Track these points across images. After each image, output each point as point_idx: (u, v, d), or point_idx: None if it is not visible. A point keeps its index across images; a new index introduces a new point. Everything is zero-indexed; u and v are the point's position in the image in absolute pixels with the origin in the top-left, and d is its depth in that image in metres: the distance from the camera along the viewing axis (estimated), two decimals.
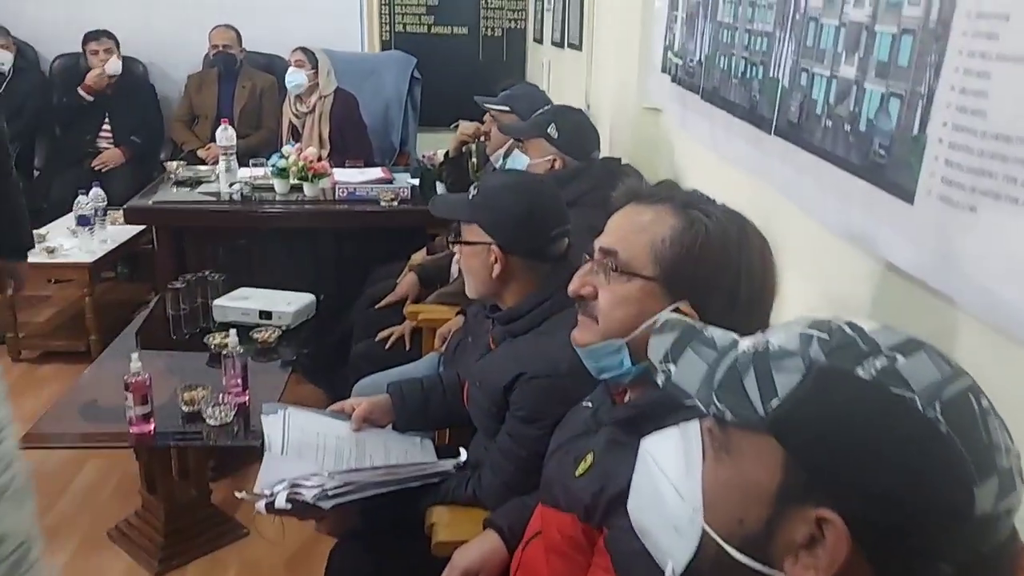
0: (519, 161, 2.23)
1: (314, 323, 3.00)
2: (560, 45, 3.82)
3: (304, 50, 3.96)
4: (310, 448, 1.64)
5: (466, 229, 1.59)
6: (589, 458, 1.11)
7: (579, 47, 3.36)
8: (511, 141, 2.48)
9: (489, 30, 5.07)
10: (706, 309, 1.01)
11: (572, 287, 1.16)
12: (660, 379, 0.66)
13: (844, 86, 1.18)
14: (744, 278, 1.01)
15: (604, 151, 2.55)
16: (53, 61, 4.75)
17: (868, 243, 1.14)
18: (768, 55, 1.48)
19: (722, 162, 1.79)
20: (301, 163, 3.35)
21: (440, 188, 3.47)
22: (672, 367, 0.66)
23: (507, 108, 2.61)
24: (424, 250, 3.12)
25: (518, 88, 2.87)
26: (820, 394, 0.59)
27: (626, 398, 1.16)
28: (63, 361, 3.56)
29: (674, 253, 1.04)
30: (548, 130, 2.15)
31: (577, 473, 1.11)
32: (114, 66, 4.37)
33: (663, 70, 2.26)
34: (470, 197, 1.58)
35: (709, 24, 1.84)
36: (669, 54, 2.20)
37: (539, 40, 4.56)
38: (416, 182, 3.65)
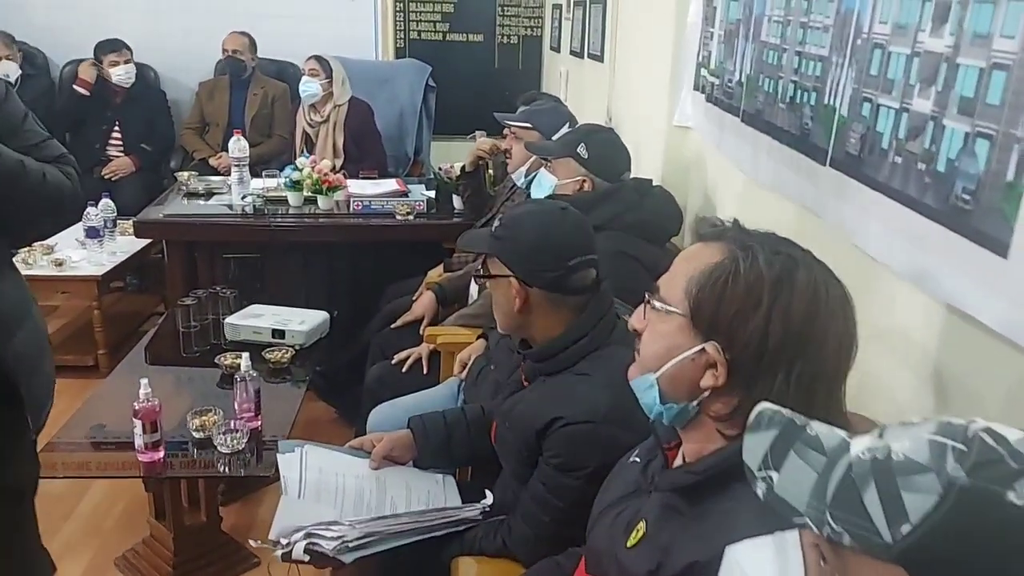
0: (546, 182, 2.14)
1: (328, 341, 2.92)
2: (579, 55, 3.73)
3: (318, 58, 3.87)
4: (329, 490, 1.56)
5: (491, 262, 1.51)
6: (641, 527, 1.02)
7: (601, 58, 3.27)
8: (533, 159, 2.39)
9: (505, 38, 4.99)
10: (735, 353, 0.94)
11: (630, 321, 1.09)
12: (761, 490, 0.57)
13: (918, 121, 1.08)
14: (776, 322, 0.92)
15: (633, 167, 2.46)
16: (63, 67, 4.68)
17: (945, 294, 1.05)
18: (822, 80, 1.39)
19: (760, 188, 1.70)
20: (315, 176, 3.27)
21: (457, 201, 3.39)
22: (774, 475, 0.57)
23: (529, 124, 2.52)
24: (441, 267, 3.03)
25: (539, 103, 2.79)
26: (963, 522, 0.49)
27: (679, 455, 1.07)
28: (71, 375, 3.47)
29: (699, 289, 0.97)
30: (578, 149, 2.06)
31: (629, 544, 1.01)
32: (128, 75, 4.29)
33: (696, 88, 2.17)
34: (493, 229, 1.50)
35: (751, 44, 1.74)
36: (703, 71, 2.11)
37: (556, 49, 4.47)
38: (432, 194, 3.57)
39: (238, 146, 3.49)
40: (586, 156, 2.05)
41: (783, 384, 0.92)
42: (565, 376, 1.44)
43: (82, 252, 3.53)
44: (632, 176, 2.14)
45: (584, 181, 2.06)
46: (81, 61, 4.56)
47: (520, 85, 4.93)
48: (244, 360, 2.29)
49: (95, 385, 2.85)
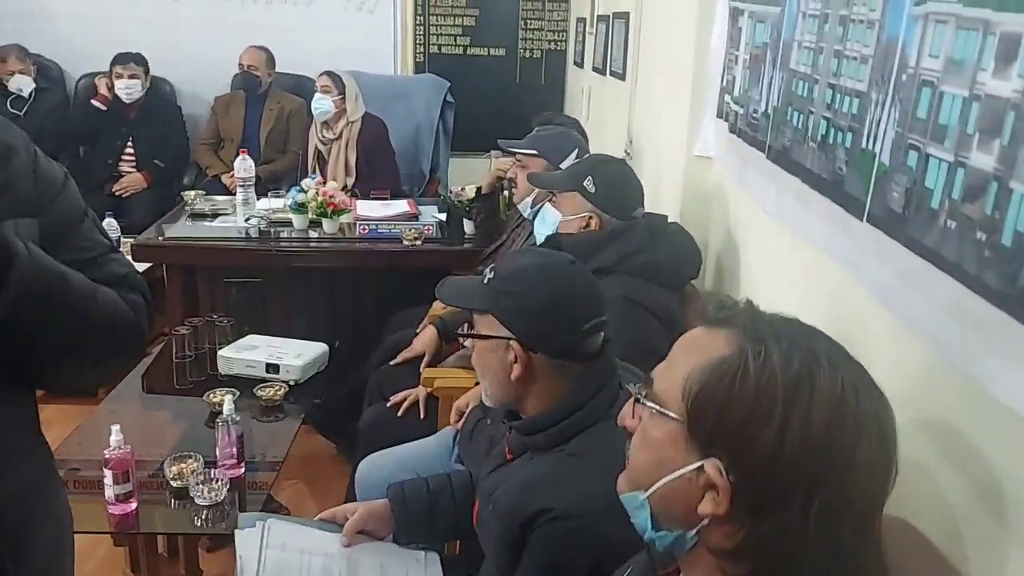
0: (550, 217, 1.96)
1: (327, 374, 2.76)
2: (602, 72, 3.55)
3: (330, 74, 3.73)
4: (292, 572, 1.38)
5: (480, 319, 1.32)
6: None
7: (622, 76, 3.08)
8: (538, 191, 2.22)
9: (528, 52, 4.82)
10: (740, 475, 0.76)
11: (620, 416, 0.91)
12: None
13: (977, 179, 0.88)
14: (792, 438, 0.73)
15: (647, 200, 2.26)
16: (79, 80, 4.60)
17: (1006, 395, 0.84)
18: (860, 120, 1.19)
19: (788, 233, 1.50)
20: (320, 198, 3.12)
21: (468, 226, 3.22)
22: None
23: (534, 151, 2.34)
24: None
25: (546, 128, 2.60)
26: None
27: None
28: (69, 401, 3.35)
29: (700, 390, 0.78)
30: (584, 183, 1.88)
31: None
32: (131, 90, 4.19)
33: (719, 115, 1.97)
34: (485, 281, 1.31)
35: (779, 72, 1.54)
36: (727, 98, 1.91)
37: (579, 64, 4.29)
38: (443, 216, 3.40)
39: (244, 165, 3.36)
40: (593, 190, 1.86)
41: (799, 517, 0.73)
42: (555, 456, 1.25)
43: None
44: (647, 211, 1.95)
45: (590, 218, 1.87)
46: (97, 74, 4.49)
47: (542, 101, 4.77)
48: (227, 403, 2.13)
49: (90, 413, 2.72)
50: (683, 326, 1.82)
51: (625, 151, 2.94)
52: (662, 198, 2.34)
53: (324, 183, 3.26)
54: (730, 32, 1.90)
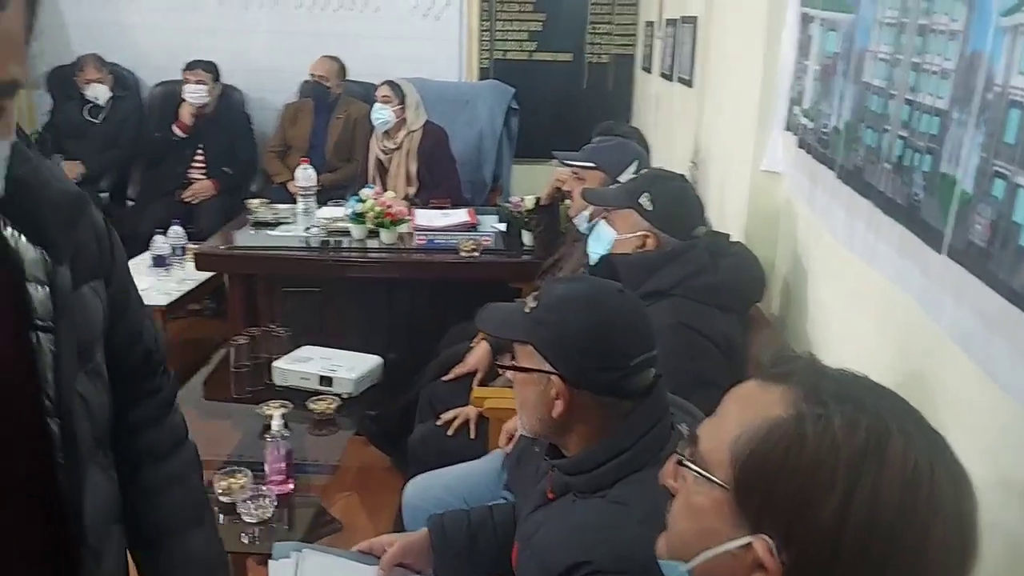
0: (605, 235, 1.87)
1: (382, 386, 2.74)
2: (669, 78, 3.43)
3: (391, 84, 3.72)
4: None
5: (521, 350, 1.24)
6: None
7: (690, 83, 2.97)
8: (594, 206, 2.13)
9: (595, 57, 4.72)
10: (795, 555, 0.66)
11: (661, 473, 0.83)
12: None
13: None
14: (856, 516, 0.64)
15: (712, 215, 2.16)
16: (154, 88, 4.71)
17: None
18: (939, 141, 1.07)
19: (861, 260, 1.38)
20: (378, 208, 3.10)
21: (527, 237, 3.15)
22: None
23: (591, 164, 2.25)
24: None
25: (607, 140, 2.51)
26: None
27: None
28: None
29: (750, 456, 0.70)
30: (640, 200, 1.78)
31: None
32: (199, 97, 4.25)
33: (788, 129, 1.85)
34: (526, 309, 1.23)
35: (852, 84, 1.43)
36: (796, 110, 1.79)
37: (647, 69, 4.18)
38: (503, 227, 3.34)
39: (305, 175, 3.37)
40: (650, 208, 1.76)
41: None
42: (597, 502, 1.17)
43: (150, 280, 3.48)
44: (710, 229, 1.84)
45: (647, 237, 1.78)
46: (171, 83, 4.58)
47: (609, 106, 4.67)
48: (276, 419, 2.12)
49: None
50: (744, 354, 1.71)
51: (692, 162, 2.83)
52: (727, 214, 2.23)
53: (382, 193, 3.23)
54: (800, 40, 1.78)
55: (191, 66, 4.30)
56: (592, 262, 2.05)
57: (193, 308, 4.04)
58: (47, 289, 0.78)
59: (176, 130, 4.32)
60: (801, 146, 1.73)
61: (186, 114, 4.28)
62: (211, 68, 4.33)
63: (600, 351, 1.16)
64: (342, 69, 4.29)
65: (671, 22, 3.41)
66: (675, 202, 1.79)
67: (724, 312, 1.71)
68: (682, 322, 1.64)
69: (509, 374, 1.26)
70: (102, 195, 4.38)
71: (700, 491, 0.75)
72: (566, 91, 4.73)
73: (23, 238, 0.77)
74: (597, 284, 1.26)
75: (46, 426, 0.78)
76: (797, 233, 1.85)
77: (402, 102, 3.73)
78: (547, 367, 1.18)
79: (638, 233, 1.79)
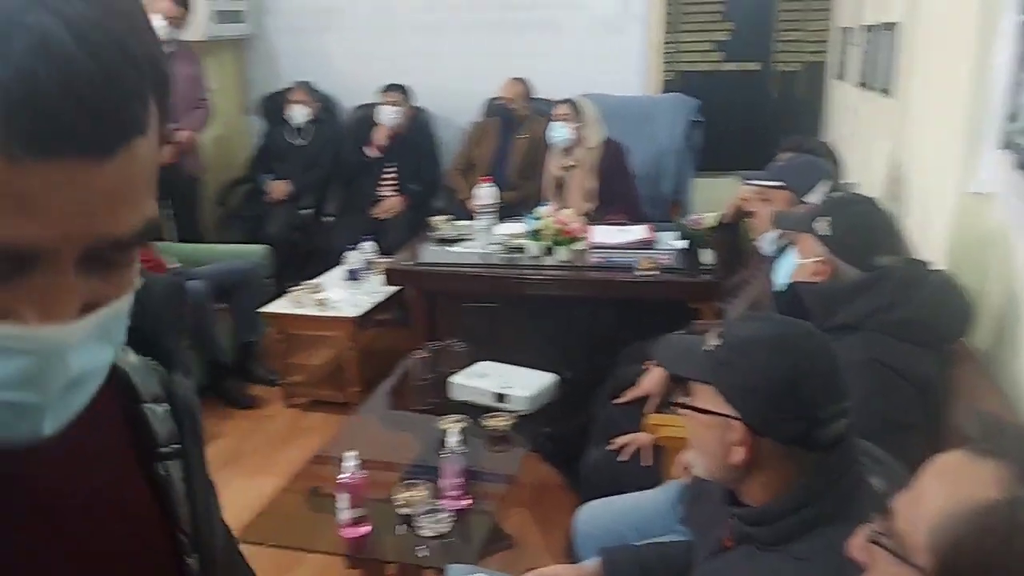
0: (787, 262, 1.78)
1: (557, 405, 2.76)
2: (865, 87, 3.22)
3: (569, 102, 3.75)
4: None
5: (698, 389, 1.20)
6: None
7: (888, 93, 2.77)
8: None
9: (784, 65, 4.52)
10: None
11: (849, 544, 0.79)
12: None
13: None
14: None
15: (911, 239, 1.99)
16: (352, 111, 5.01)
17: None
18: None
19: None
20: (555, 226, 3.12)
21: (708, 256, 3.06)
22: None
23: (778, 183, 2.14)
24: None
25: (794, 157, 2.38)
26: None
27: None
28: (328, 411, 3.66)
29: (954, 544, 0.63)
30: (819, 224, 1.67)
31: None
32: (393, 118, 4.48)
33: (1002, 147, 1.68)
34: (708, 347, 1.18)
35: None
36: (1010, 127, 1.62)
37: (841, 77, 3.94)
38: (684, 243, 3.27)
39: (486, 193, 3.47)
40: (828, 233, 1.65)
41: None
42: (777, 557, 1.10)
43: (343, 293, 3.70)
44: (903, 257, 1.70)
45: (824, 264, 1.66)
46: (368, 106, 4.87)
47: (799, 117, 4.46)
48: (450, 435, 2.18)
49: (346, 423, 2.94)
50: (943, 395, 1.57)
51: (891, 178, 2.63)
52: (928, 238, 2.05)
53: (559, 210, 3.25)
54: (1018, 52, 1.61)
55: (387, 89, 4.55)
56: (778, 288, 1.96)
57: (381, 318, 4.27)
58: (166, 406, 0.66)
59: (370, 150, 4.57)
60: (1020, 166, 1.55)
61: (380, 135, 4.53)
62: (404, 91, 4.56)
63: (789, 400, 1.09)
64: (527, 91, 4.36)
65: (869, 28, 3.19)
66: (855, 228, 1.66)
67: (921, 348, 1.57)
68: (874, 359, 1.52)
69: (683, 412, 1.21)
70: (304, 212, 4.73)
71: (893, 572, 0.69)
72: (753, 102, 4.56)
73: (130, 352, 0.65)
74: (788, 325, 1.18)
75: (183, 564, 0.66)
76: (1012, 261, 1.67)
77: (580, 119, 3.75)
78: (729, 411, 1.13)
79: (815, 260, 1.68)
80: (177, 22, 4.07)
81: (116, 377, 0.61)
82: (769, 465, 1.12)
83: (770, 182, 2.18)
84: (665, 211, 4.31)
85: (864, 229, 1.67)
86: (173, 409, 0.66)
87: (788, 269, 1.79)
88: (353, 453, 2.06)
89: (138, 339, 0.62)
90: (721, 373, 1.14)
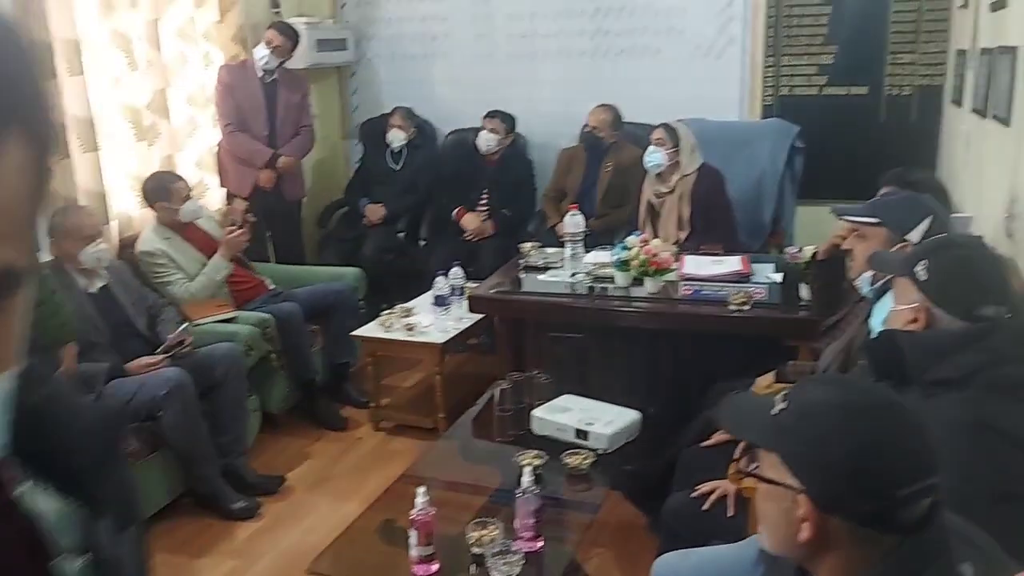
0: (884, 306, 1.66)
1: (640, 442, 2.68)
2: (982, 114, 3.01)
3: (666, 127, 3.68)
4: None
5: (764, 456, 1.11)
6: None
7: (1007, 121, 2.57)
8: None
9: (896, 88, 4.29)
10: None
11: None
12: None
13: None
14: None
15: None
16: (447, 135, 5.07)
17: None
18: None
19: None
20: (643, 256, 3.04)
21: (805, 291, 2.91)
22: None
23: (875, 220, 2.01)
24: (773, 375, 2.59)
25: (895, 192, 2.24)
26: None
27: None
28: (414, 436, 3.68)
29: None
30: (916, 268, 1.55)
31: None
32: (490, 145, 4.51)
33: None
34: (774, 411, 1.10)
35: None
36: None
37: (958, 103, 3.71)
38: (779, 277, 3.13)
39: (573, 221, 3.43)
40: (924, 278, 1.52)
41: None
42: None
43: (431, 318, 3.72)
44: (1010, 307, 1.55)
45: (919, 310, 1.53)
46: (461, 130, 4.93)
47: (912, 143, 4.22)
48: (525, 474, 2.13)
49: (431, 448, 2.95)
50: None
51: (1007, 214, 2.44)
52: None
53: (648, 241, 3.17)
54: None
55: (491, 115, 4.56)
56: (871, 334, 1.83)
57: (473, 342, 4.26)
58: (88, 557, 0.56)
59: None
60: None
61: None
62: (507, 119, 4.56)
63: (861, 476, 0.99)
64: (616, 119, 4.29)
65: (986, 51, 2.99)
66: (954, 274, 1.52)
67: None
68: (981, 421, 1.38)
69: (749, 481, 1.13)
70: (399, 235, 4.80)
71: None
72: (861, 127, 4.35)
73: (46, 493, 0.55)
74: (862, 391, 1.07)
75: None
76: None
77: (676, 145, 3.67)
78: (794, 483, 1.04)
79: (911, 306, 1.55)
80: (280, 51, 4.21)
81: (21, 526, 0.52)
82: (840, 546, 1.02)
83: (865, 218, 2.04)
84: (763, 240, 4.16)
85: (966, 275, 1.52)
86: (96, 565, 0.56)
87: (883, 315, 1.66)
88: (423, 489, 2.04)
89: (60, 476, 0.54)
90: (785, 441, 1.05)
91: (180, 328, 3.18)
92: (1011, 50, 2.53)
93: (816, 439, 1.02)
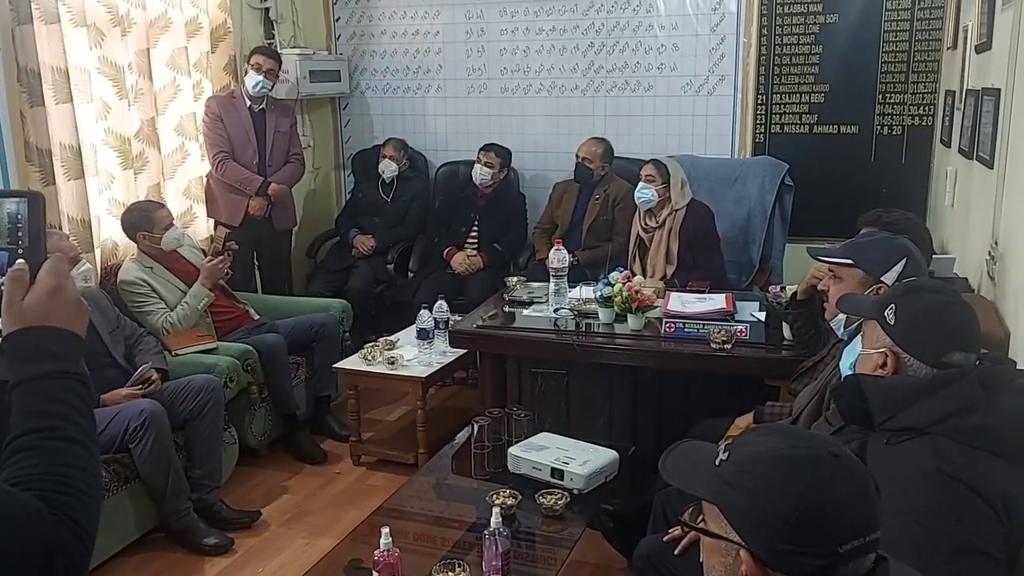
0: (854, 350, 1.62)
1: (619, 481, 2.63)
2: (968, 155, 3.00)
3: (655, 163, 3.68)
4: None
5: (707, 507, 1.07)
6: None
7: (989, 163, 2.56)
8: None
9: (886, 128, 4.29)
10: None
11: None
12: None
13: None
14: None
15: (1010, 324, 1.79)
16: (439, 168, 5.07)
17: None
18: None
19: None
20: (625, 293, 3.01)
21: (787, 330, 2.88)
22: None
23: (849, 260, 1.98)
24: (751, 416, 2.55)
25: (872, 234, 2.21)
26: None
27: None
28: (394, 471, 3.62)
29: None
30: (886, 312, 1.51)
31: None
32: (484, 178, 4.50)
33: None
34: (716, 461, 1.05)
35: None
36: None
37: (946, 143, 3.70)
38: (763, 315, 3.10)
39: (558, 256, 3.40)
40: (892, 323, 1.49)
41: None
42: None
43: (414, 351, 3.68)
44: (983, 354, 1.52)
45: (886, 356, 1.50)
46: (452, 163, 4.93)
47: (900, 182, 4.22)
48: (494, 517, 2.09)
49: (408, 484, 2.89)
50: None
51: (988, 255, 2.42)
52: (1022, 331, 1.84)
53: (631, 277, 3.14)
54: None
55: (486, 148, 4.55)
56: (841, 376, 1.80)
57: (458, 376, 4.22)
58: None
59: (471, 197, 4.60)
60: None
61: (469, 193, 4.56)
62: (503, 153, 4.55)
63: (800, 532, 0.94)
64: (607, 151, 4.29)
65: (972, 93, 2.99)
66: (922, 320, 1.48)
67: (1003, 461, 1.38)
68: (943, 470, 1.34)
69: (693, 534, 1.08)
70: (388, 266, 4.78)
71: None
72: (850, 166, 4.34)
73: None
74: (805, 443, 1.02)
75: None
76: None
77: (666, 181, 3.66)
78: (735, 537, 1.00)
79: (879, 350, 1.52)
80: (272, 74, 4.23)
81: None
82: None
83: (840, 259, 2.01)
84: (751, 277, 4.14)
85: (934, 321, 1.49)
86: None
87: (853, 358, 1.63)
88: (386, 530, 2.00)
89: None
90: (725, 494, 1.00)
91: (150, 364, 3.15)
92: (995, 92, 2.52)
93: (754, 493, 0.97)
